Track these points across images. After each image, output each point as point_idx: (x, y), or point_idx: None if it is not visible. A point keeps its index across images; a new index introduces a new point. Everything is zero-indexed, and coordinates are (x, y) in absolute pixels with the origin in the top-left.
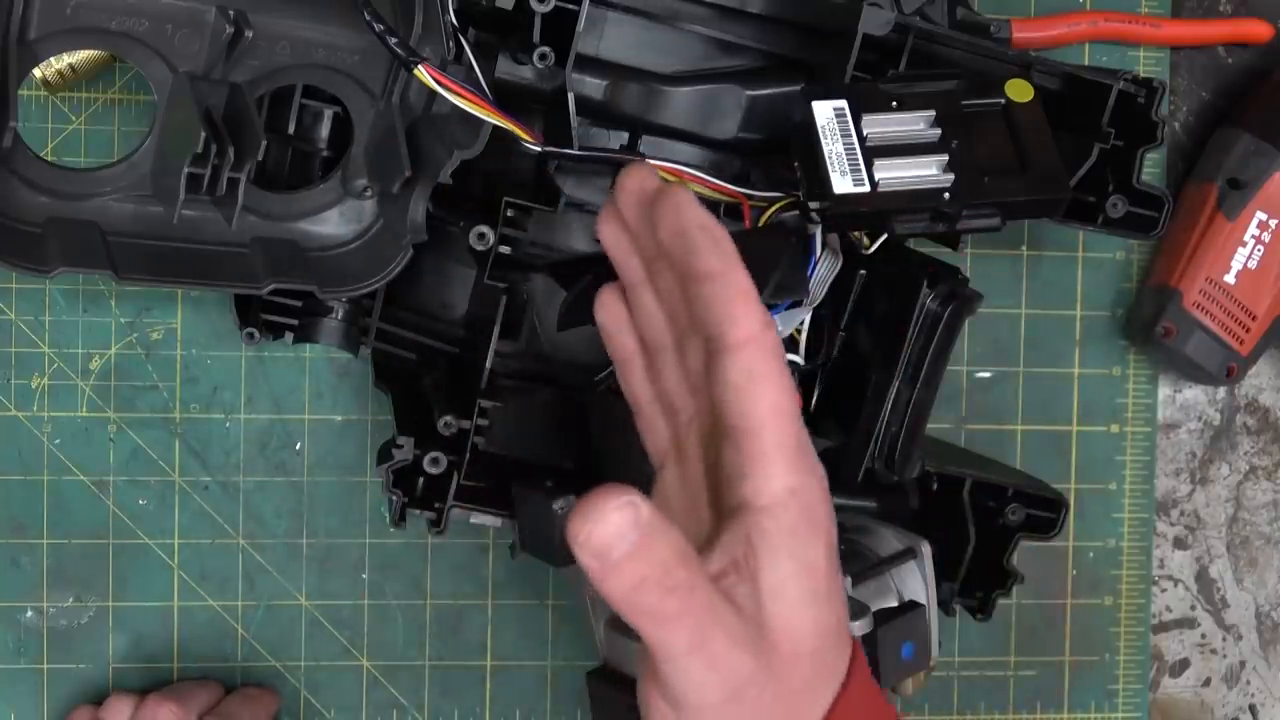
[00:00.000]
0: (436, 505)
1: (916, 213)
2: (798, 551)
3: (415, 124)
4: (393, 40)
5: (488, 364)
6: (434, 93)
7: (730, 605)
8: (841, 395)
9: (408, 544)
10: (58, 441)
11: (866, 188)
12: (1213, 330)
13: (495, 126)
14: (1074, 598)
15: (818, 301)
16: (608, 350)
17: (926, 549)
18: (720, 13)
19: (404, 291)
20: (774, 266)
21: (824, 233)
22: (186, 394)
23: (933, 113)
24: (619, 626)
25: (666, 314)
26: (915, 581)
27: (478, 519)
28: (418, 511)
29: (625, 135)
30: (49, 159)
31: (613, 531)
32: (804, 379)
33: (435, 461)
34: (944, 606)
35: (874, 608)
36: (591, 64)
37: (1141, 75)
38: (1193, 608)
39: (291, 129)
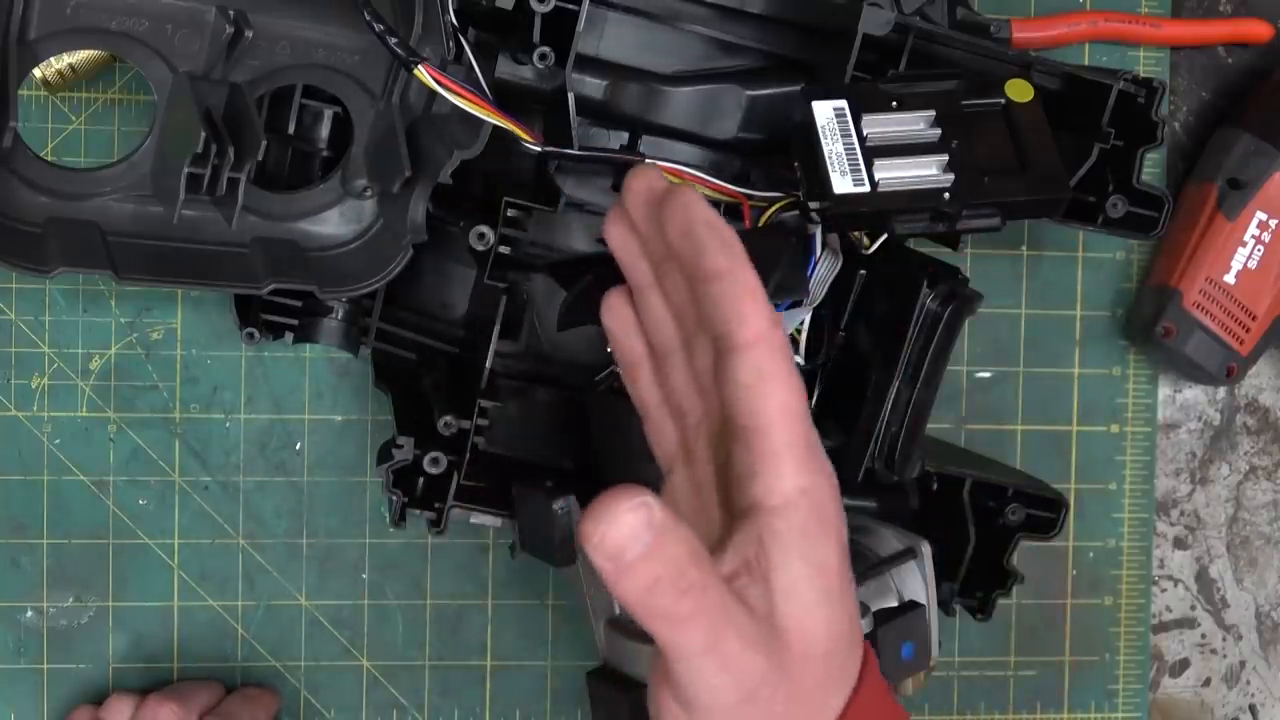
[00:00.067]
0: (436, 505)
1: (916, 213)
2: (809, 551)
3: (415, 124)
4: (393, 40)
5: (488, 364)
6: (434, 93)
7: (743, 606)
8: (841, 395)
9: (408, 544)
10: (58, 441)
11: (866, 188)
12: (1213, 330)
13: (495, 126)
14: (1074, 598)
15: (818, 301)
16: (615, 354)
17: (926, 549)
18: (720, 13)
19: (404, 291)
20: (774, 266)
21: (824, 233)
22: (186, 394)
23: (933, 113)
24: (619, 626)
25: (674, 315)
26: (915, 581)
27: (478, 519)
28: (418, 511)
29: (625, 135)
30: (49, 159)
31: (626, 533)
32: (804, 379)
33: (435, 461)
34: (944, 606)
35: (874, 608)
36: (591, 64)
37: (1141, 75)
38: (1193, 608)
39: (291, 129)
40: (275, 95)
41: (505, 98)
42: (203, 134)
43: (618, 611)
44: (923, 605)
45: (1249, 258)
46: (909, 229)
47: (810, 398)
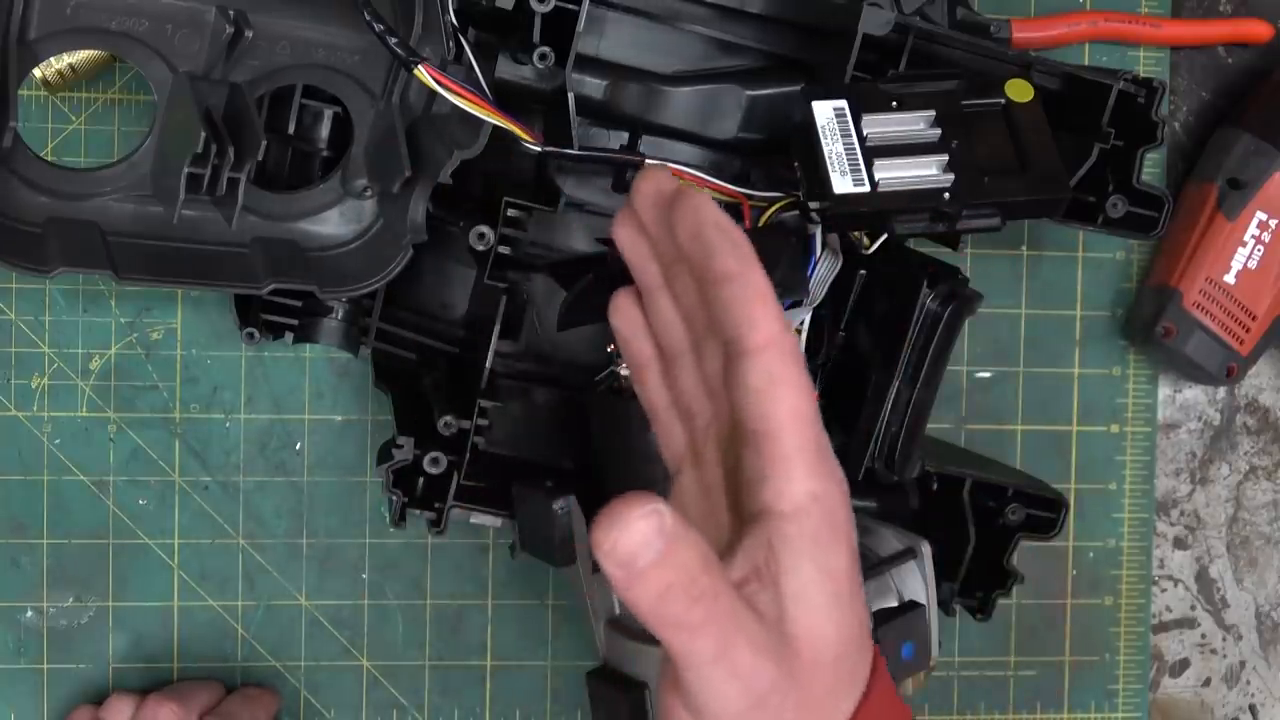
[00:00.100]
0: (436, 505)
1: (916, 213)
2: (820, 557)
3: (415, 124)
4: (393, 40)
5: (488, 364)
6: (434, 93)
7: (753, 612)
8: (841, 395)
9: (408, 544)
10: (58, 441)
11: (866, 188)
12: (1213, 330)
13: (495, 126)
14: (1074, 598)
15: (818, 301)
16: (623, 355)
17: (926, 549)
18: (720, 13)
19: (404, 291)
20: (774, 266)
21: (824, 233)
22: (186, 394)
23: (933, 113)
24: (619, 626)
25: (684, 317)
26: (915, 581)
27: (478, 519)
28: (418, 511)
29: (625, 135)
30: (49, 159)
31: (638, 540)
32: None
33: (435, 461)
34: (944, 606)
35: (874, 608)
36: (591, 64)
37: (1141, 75)
38: (1193, 608)
39: (291, 129)
40: (275, 95)
41: (505, 98)
42: (203, 134)
43: (618, 611)
44: (923, 605)
45: (1249, 258)
46: (909, 229)
47: None
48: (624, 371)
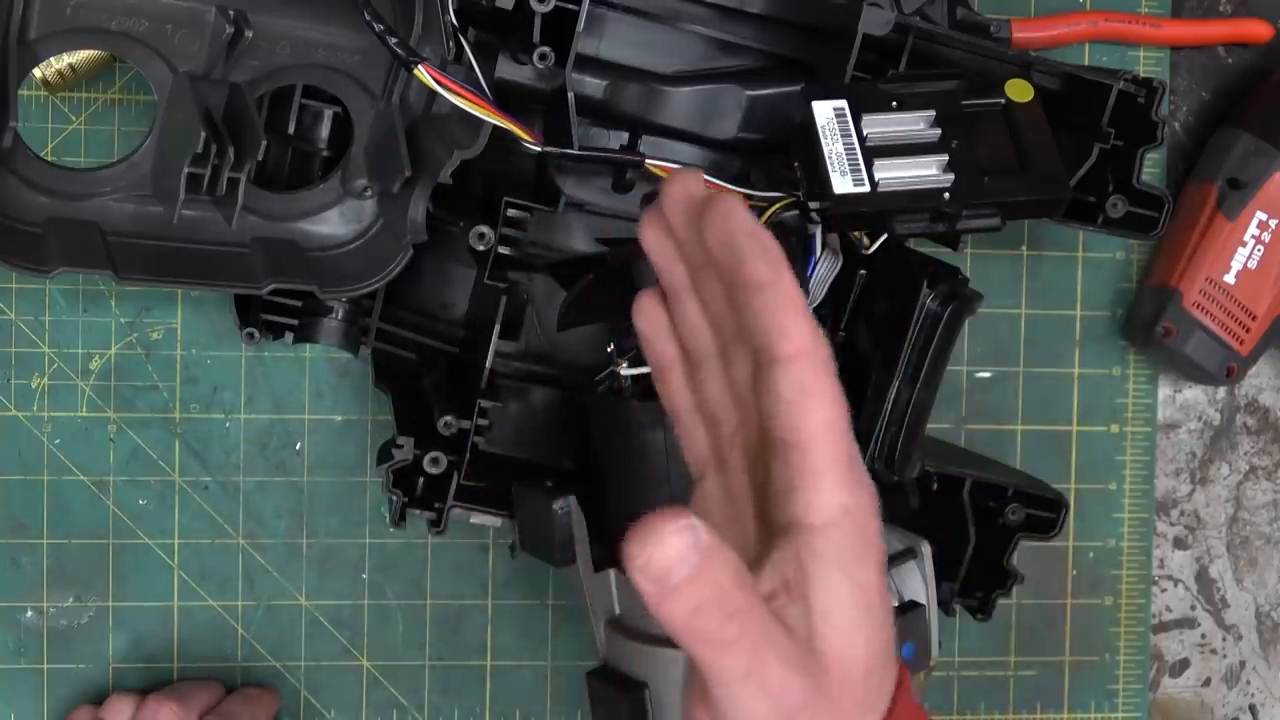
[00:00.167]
0: (436, 505)
1: (916, 213)
2: (850, 570)
3: (415, 124)
4: (393, 40)
5: (488, 364)
6: (434, 93)
7: (782, 627)
8: None
9: (408, 544)
10: (58, 441)
11: (866, 188)
12: (1213, 330)
13: (495, 126)
14: (1074, 598)
15: (818, 301)
16: (646, 356)
17: (926, 549)
18: (720, 13)
19: (404, 291)
20: None
21: (824, 233)
22: (186, 394)
23: (933, 113)
24: (619, 626)
25: (710, 322)
26: (915, 581)
27: (478, 519)
28: (418, 511)
29: (625, 135)
30: (49, 159)
31: (673, 555)
32: None
33: (435, 461)
34: (944, 606)
35: None
36: (591, 64)
37: (1141, 75)
38: (1193, 608)
39: (291, 129)
40: (275, 95)
41: (505, 98)
42: (203, 134)
43: (618, 611)
44: (923, 605)
45: (1249, 258)
46: (909, 229)
47: None
48: (624, 371)
